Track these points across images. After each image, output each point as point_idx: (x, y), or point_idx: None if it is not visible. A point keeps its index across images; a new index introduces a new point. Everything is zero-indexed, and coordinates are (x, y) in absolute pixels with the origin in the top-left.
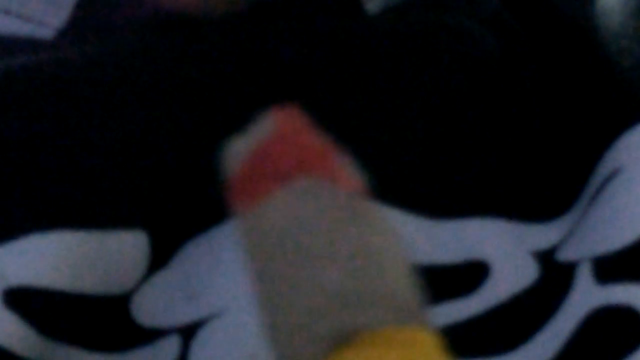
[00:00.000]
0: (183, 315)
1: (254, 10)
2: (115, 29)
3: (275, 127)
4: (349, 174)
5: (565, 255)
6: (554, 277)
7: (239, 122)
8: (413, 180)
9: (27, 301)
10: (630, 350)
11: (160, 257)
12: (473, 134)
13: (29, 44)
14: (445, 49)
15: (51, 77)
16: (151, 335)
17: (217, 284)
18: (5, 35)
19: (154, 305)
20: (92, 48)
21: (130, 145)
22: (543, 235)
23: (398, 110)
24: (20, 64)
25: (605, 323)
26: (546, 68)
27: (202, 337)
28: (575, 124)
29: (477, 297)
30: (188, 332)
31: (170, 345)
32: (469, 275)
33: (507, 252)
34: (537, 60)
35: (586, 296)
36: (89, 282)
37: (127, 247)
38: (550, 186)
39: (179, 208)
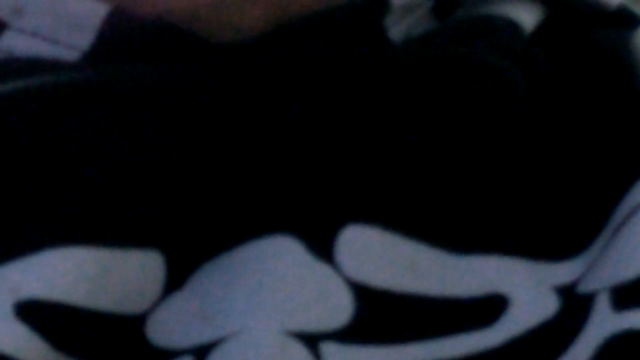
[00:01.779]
0: (197, 336)
1: (276, 35)
2: (138, 53)
3: None
4: None
5: (585, 287)
6: (573, 309)
7: (257, 145)
8: (434, 215)
9: (39, 314)
10: None
11: (175, 278)
12: (494, 171)
13: (53, 66)
14: (468, 85)
15: (70, 96)
16: (165, 356)
17: (232, 305)
18: (30, 57)
19: (169, 326)
20: (113, 69)
21: (146, 166)
22: (564, 271)
23: (419, 144)
24: (42, 83)
25: (622, 349)
26: (575, 105)
27: (216, 359)
28: (600, 162)
29: (495, 329)
30: (202, 353)
31: None
32: (488, 307)
33: (526, 286)
34: (566, 96)
35: (603, 324)
36: (103, 299)
37: (142, 266)
38: (573, 223)
39: (195, 230)
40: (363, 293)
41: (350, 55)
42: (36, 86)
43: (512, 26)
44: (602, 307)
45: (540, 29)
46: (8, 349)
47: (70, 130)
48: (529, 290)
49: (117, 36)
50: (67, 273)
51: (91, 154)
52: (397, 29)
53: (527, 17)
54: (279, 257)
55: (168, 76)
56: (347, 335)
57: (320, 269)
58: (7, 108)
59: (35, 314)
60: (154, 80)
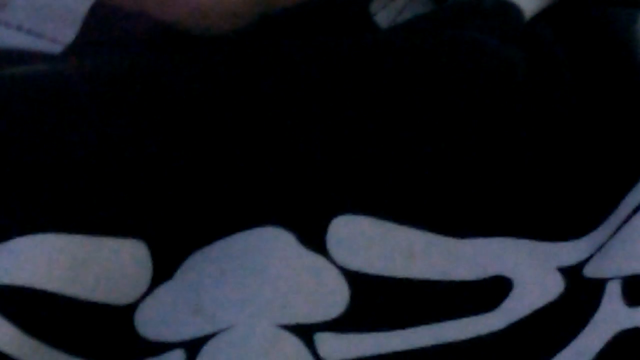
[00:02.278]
0: (188, 330)
1: (260, 25)
2: (121, 45)
3: None
4: None
5: (593, 272)
6: (581, 292)
7: (245, 136)
8: (435, 199)
9: (11, 300)
10: None
11: (163, 268)
12: (496, 152)
13: (37, 58)
14: (459, 65)
15: (49, 85)
16: (155, 349)
17: (223, 298)
18: (14, 49)
19: (158, 318)
20: (95, 59)
21: (128, 154)
22: (569, 252)
23: (411, 129)
24: (24, 72)
25: (634, 346)
26: (583, 86)
27: (207, 353)
28: (610, 144)
29: (499, 312)
30: (193, 347)
31: None
32: (491, 290)
33: (530, 267)
34: (574, 78)
35: (615, 316)
36: (81, 287)
37: (124, 255)
38: (578, 203)
39: (182, 220)
40: (358, 281)
41: (338, 43)
42: (15, 75)
43: (505, 7)
44: (614, 297)
45: (551, 10)
46: None
47: (49, 119)
48: (532, 271)
49: (100, 29)
50: (37, 259)
51: (69, 141)
52: (384, 13)
53: (526, 1)
54: (271, 249)
55: (152, 67)
56: (342, 324)
57: (313, 259)
58: None
59: (6, 300)
60: (137, 70)
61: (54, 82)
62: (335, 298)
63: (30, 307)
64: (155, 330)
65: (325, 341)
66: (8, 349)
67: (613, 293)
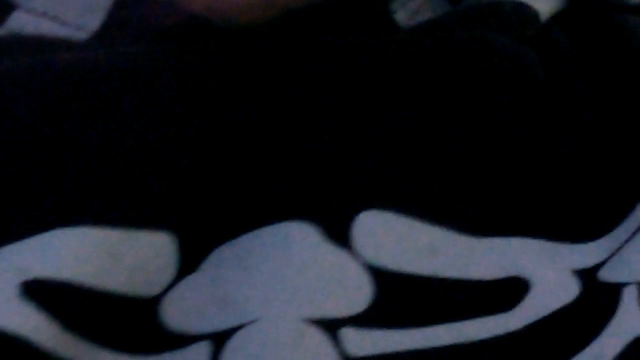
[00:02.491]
0: (215, 322)
1: (284, 20)
2: (146, 34)
3: None
4: None
5: (609, 276)
6: (597, 296)
7: (272, 131)
8: (457, 198)
9: (46, 293)
10: None
11: (189, 261)
12: (516, 153)
13: (62, 45)
14: (482, 65)
15: (82, 73)
16: (180, 341)
17: (248, 292)
18: (39, 35)
19: (183, 310)
20: (124, 48)
21: (158, 147)
22: (584, 254)
23: (435, 128)
24: (52, 59)
25: None
26: (597, 90)
27: (234, 345)
28: (625, 148)
29: (516, 313)
30: (220, 339)
31: (200, 352)
32: (509, 290)
33: (547, 269)
34: (588, 81)
35: (632, 322)
36: (114, 280)
37: (153, 248)
38: (595, 206)
39: (209, 213)
40: (382, 277)
41: (363, 40)
42: (49, 62)
43: (523, 10)
44: (631, 302)
45: (563, 15)
46: (14, 327)
47: (81, 110)
48: (549, 273)
49: (125, 18)
50: (75, 253)
51: (102, 134)
52: (403, 12)
53: (542, 3)
54: (296, 243)
55: (180, 56)
56: (366, 319)
57: (338, 254)
58: (16, 84)
59: (42, 293)
60: (165, 61)
61: (85, 72)
62: (359, 294)
63: (63, 300)
64: (180, 322)
65: (350, 337)
66: (41, 340)
67: (629, 298)
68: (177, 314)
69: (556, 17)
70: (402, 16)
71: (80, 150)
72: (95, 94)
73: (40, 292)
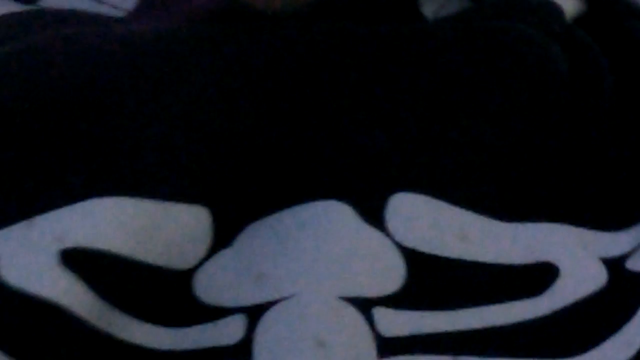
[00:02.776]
0: (250, 296)
1: (318, 7)
2: (182, 14)
3: None
4: None
5: (636, 265)
6: (624, 285)
7: (309, 114)
8: (484, 184)
9: (84, 263)
10: None
11: (223, 235)
12: (544, 141)
13: (101, 20)
14: (512, 54)
15: (120, 45)
16: (214, 314)
17: (285, 268)
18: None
19: (217, 284)
20: (162, 25)
21: (198, 124)
22: (612, 242)
23: (467, 114)
24: (92, 31)
25: None
26: (621, 87)
27: (269, 320)
28: None
29: (545, 298)
30: (255, 313)
31: (235, 325)
32: (538, 276)
33: (576, 256)
34: (612, 77)
35: None
36: (150, 252)
37: (189, 221)
38: (622, 196)
39: (244, 189)
40: (414, 258)
41: (395, 29)
42: (88, 33)
43: (550, 5)
44: None
45: (582, 20)
46: (52, 295)
47: (124, 82)
48: (578, 260)
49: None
50: (113, 223)
51: (144, 108)
52: (430, 4)
53: (567, 3)
54: (333, 221)
55: (223, 39)
56: (399, 300)
57: (373, 234)
58: (58, 53)
59: (80, 262)
60: (210, 40)
61: (124, 43)
62: (392, 274)
63: (100, 270)
64: (214, 296)
65: (383, 316)
66: (77, 309)
67: None
68: (211, 287)
69: (578, 21)
70: (429, 9)
71: (121, 121)
72: (133, 67)
73: (78, 261)
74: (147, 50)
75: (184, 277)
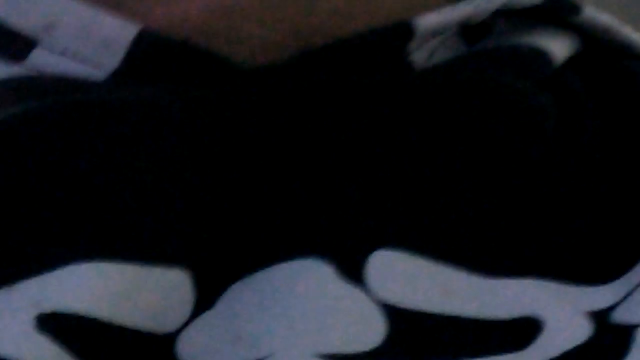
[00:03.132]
0: (228, 358)
1: (300, 60)
2: (164, 74)
3: None
4: None
5: (622, 317)
6: (609, 337)
7: (285, 170)
8: (471, 240)
9: (61, 325)
10: None
11: (205, 298)
12: (526, 195)
13: (78, 85)
14: (494, 110)
15: (95, 113)
16: None
17: (263, 327)
18: (56, 76)
19: (200, 347)
20: (143, 89)
21: (174, 185)
22: (597, 296)
23: (448, 169)
24: (70, 100)
25: None
26: (610, 134)
27: None
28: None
29: (530, 351)
30: None
31: None
32: (522, 330)
33: (560, 310)
34: (602, 122)
35: None
36: (131, 315)
37: (170, 285)
38: (609, 249)
39: (224, 250)
40: (395, 314)
41: (375, 83)
42: (61, 102)
43: (540, 54)
44: None
45: (578, 59)
46: (29, 358)
47: (97, 147)
48: (562, 314)
49: (145, 57)
50: (92, 287)
51: (118, 171)
52: (418, 53)
53: (558, 47)
54: (310, 280)
55: (194, 98)
56: (380, 356)
57: (352, 291)
58: (31, 124)
59: (57, 325)
60: (182, 103)
61: (99, 110)
62: (372, 330)
63: (79, 333)
64: (197, 358)
65: None
66: None
67: None
68: (193, 350)
69: (571, 61)
70: (419, 57)
71: (97, 186)
72: (109, 132)
73: (55, 325)
74: (119, 117)
75: (167, 340)
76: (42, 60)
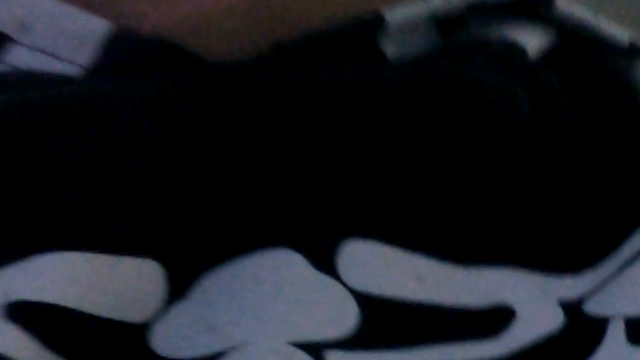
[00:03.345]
0: (202, 347)
1: (270, 55)
2: (138, 69)
3: None
4: None
5: (595, 308)
6: (582, 328)
7: (256, 161)
8: (442, 228)
9: (30, 315)
10: None
11: (178, 287)
12: (500, 186)
13: (52, 80)
14: (465, 100)
15: (63, 107)
16: None
17: (236, 317)
18: (31, 71)
19: (173, 336)
20: (114, 84)
21: (144, 174)
22: (570, 285)
23: (420, 159)
24: (37, 95)
25: None
26: (585, 127)
27: None
28: (613, 184)
29: (500, 340)
30: None
31: None
32: (494, 318)
33: (531, 298)
34: (576, 118)
35: (619, 355)
36: (99, 304)
37: (139, 274)
38: (582, 238)
39: (194, 240)
40: (368, 301)
41: (347, 75)
42: (31, 98)
43: (512, 47)
44: (617, 335)
45: (554, 53)
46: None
47: (62, 139)
48: (534, 303)
49: (119, 53)
50: (58, 276)
51: (84, 161)
52: (390, 44)
53: (532, 41)
54: (281, 269)
55: (163, 91)
56: (353, 342)
57: (323, 279)
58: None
59: (26, 314)
60: (149, 93)
61: (68, 104)
62: (345, 317)
63: (48, 321)
64: (170, 348)
65: (336, 358)
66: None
67: (616, 331)
68: (166, 339)
69: (547, 56)
70: (390, 49)
71: (63, 177)
72: (77, 124)
73: (24, 314)
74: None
75: (140, 330)
76: (16, 57)
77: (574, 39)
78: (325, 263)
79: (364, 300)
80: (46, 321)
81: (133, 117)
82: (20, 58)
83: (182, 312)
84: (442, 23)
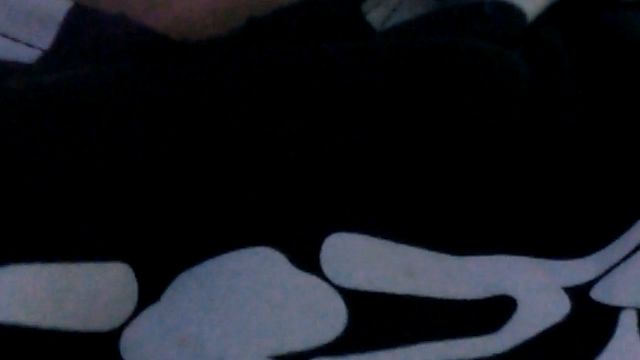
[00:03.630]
0: None
1: (248, 29)
2: (101, 51)
3: None
4: None
5: (604, 297)
6: (591, 317)
7: (232, 155)
8: (433, 217)
9: None
10: None
11: (150, 290)
12: (497, 166)
13: (12, 69)
14: (460, 75)
15: (26, 104)
16: None
17: (211, 328)
18: None
19: (143, 346)
20: (76, 71)
21: (107, 173)
22: (574, 271)
23: (414, 144)
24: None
25: None
26: (591, 93)
27: None
28: (620, 160)
29: (502, 333)
30: None
31: None
32: (494, 310)
33: (535, 286)
34: (581, 84)
35: (632, 348)
36: (63, 317)
37: (107, 279)
38: (585, 220)
39: (166, 240)
40: (356, 298)
41: (330, 51)
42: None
43: (506, 10)
44: (630, 327)
45: (558, 12)
46: None
47: (22, 140)
48: (537, 290)
49: (79, 33)
50: (12, 293)
51: (44, 164)
52: (377, 12)
53: (528, 2)
54: (261, 270)
55: (133, 78)
56: (341, 346)
57: (307, 279)
58: None
59: None
60: (118, 82)
61: (30, 100)
62: (332, 319)
63: (5, 342)
64: (140, 358)
65: None
66: None
67: (628, 323)
68: (137, 348)
69: (551, 15)
70: (376, 18)
71: (20, 183)
72: (38, 123)
73: None
74: (49, 105)
75: (111, 338)
76: None
77: None
78: (309, 261)
79: (352, 298)
80: (3, 342)
81: (96, 108)
82: None
83: (153, 318)
84: None
